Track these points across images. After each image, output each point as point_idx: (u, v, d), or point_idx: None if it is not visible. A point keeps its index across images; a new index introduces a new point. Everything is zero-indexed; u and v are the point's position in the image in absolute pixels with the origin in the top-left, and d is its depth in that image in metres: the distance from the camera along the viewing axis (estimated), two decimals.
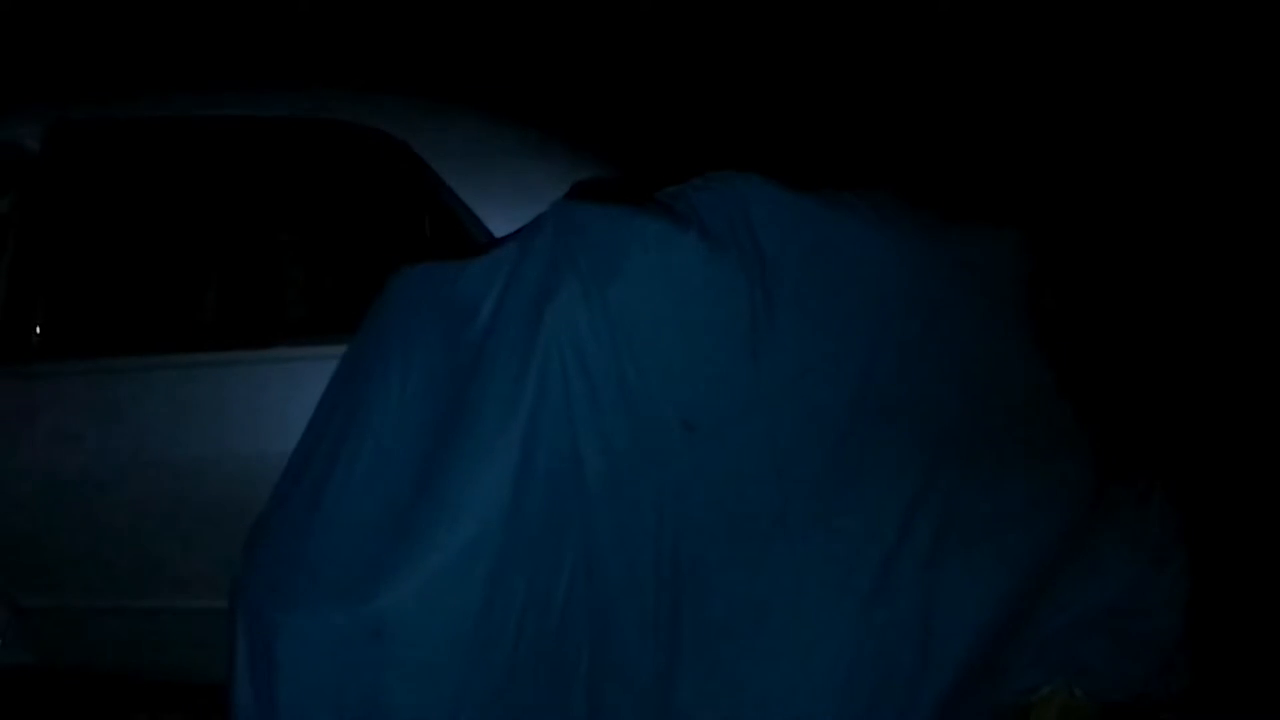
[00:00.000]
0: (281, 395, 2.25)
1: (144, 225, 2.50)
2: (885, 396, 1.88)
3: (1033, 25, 4.34)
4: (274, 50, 4.09)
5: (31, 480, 2.36)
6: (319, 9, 4.57)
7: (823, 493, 1.87)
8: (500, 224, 2.20)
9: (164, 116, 2.50)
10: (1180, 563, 2.05)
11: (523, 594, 1.83)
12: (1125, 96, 4.02)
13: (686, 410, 1.85)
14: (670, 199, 1.93)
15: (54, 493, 2.36)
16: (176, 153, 2.49)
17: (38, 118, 2.53)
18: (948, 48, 4.34)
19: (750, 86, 3.86)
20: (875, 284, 1.91)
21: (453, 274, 2.00)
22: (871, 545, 1.88)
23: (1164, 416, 2.25)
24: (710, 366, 1.85)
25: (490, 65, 3.10)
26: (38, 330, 2.41)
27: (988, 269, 1.98)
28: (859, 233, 1.91)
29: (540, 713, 1.86)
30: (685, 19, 4.41)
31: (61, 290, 2.45)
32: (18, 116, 2.58)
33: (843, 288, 1.89)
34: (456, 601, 1.81)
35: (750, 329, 1.84)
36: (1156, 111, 3.94)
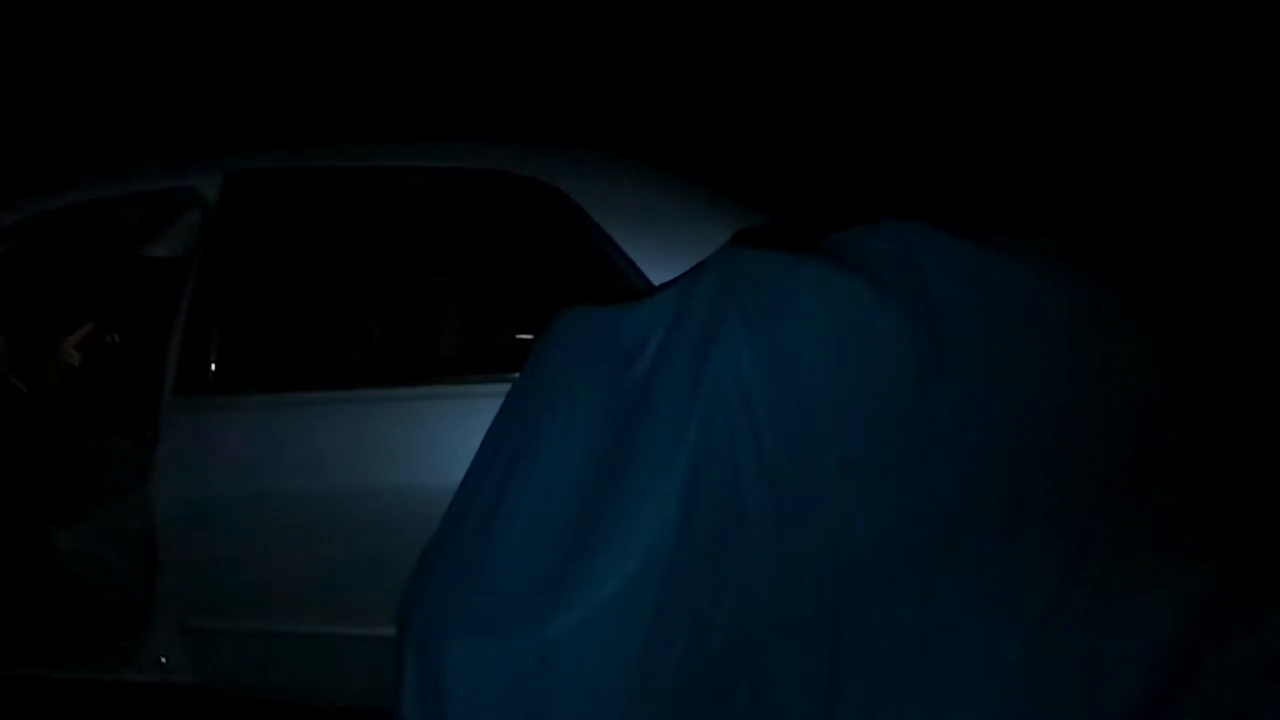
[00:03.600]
0: (444, 430, 2.34)
1: (314, 269, 2.64)
2: (1050, 440, 1.89)
3: (1033, 25, 4.32)
4: (415, 93, 4.26)
5: (205, 505, 2.48)
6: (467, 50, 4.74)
7: (984, 537, 1.88)
8: (658, 272, 2.28)
9: (334, 167, 2.64)
10: None
11: (685, 628, 1.87)
12: (1126, 96, 3.97)
13: (849, 451, 1.88)
14: (836, 245, 1.99)
15: (226, 518, 2.46)
16: (346, 201, 2.62)
17: (216, 168, 2.68)
18: (948, 47, 4.34)
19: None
20: (1042, 333, 1.92)
21: (618, 315, 2.08)
22: (1035, 588, 1.88)
23: None
24: (873, 409, 1.88)
25: (636, 112, 3.18)
26: (214, 365, 2.54)
27: (1152, 322, 1.99)
28: (1027, 283, 1.93)
29: None
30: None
31: (237, 328, 2.58)
32: (197, 166, 2.74)
33: (1010, 336, 1.91)
34: (621, 633, 1.85)
35: (915, 374, 1.87)
36: (1158, 111, 3.87)
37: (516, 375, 2.18)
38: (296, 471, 2.42)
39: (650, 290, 2.21)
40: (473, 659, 1.91)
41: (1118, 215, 2.50)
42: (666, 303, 2.02)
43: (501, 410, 2.15)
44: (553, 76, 4.53)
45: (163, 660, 2.65)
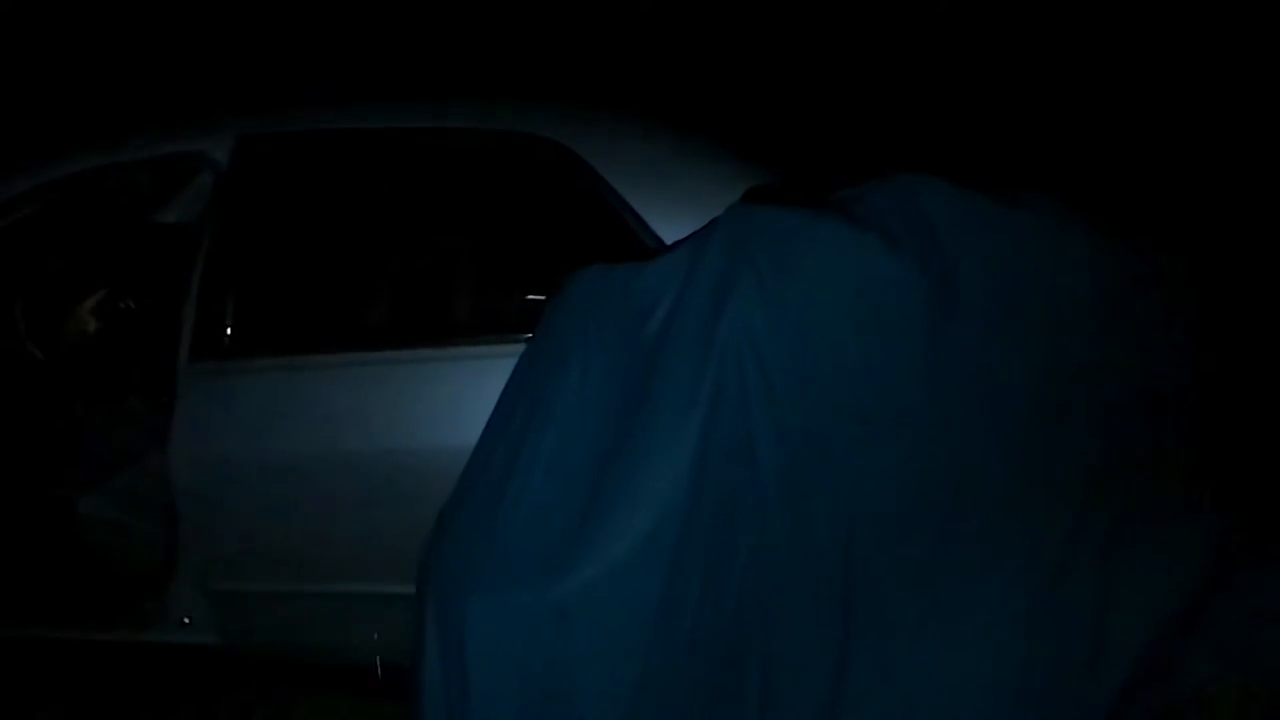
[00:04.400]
0: (459, 391, 2.36)
1: (327, 232, 2.64)
2: (1061, 398, 1.91)
3: (1033, 24, 4.29)
4: (419, 55, 4.25)
5: (223, 468, 2.50)
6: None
7: (998, 488, 1.90)
8: (669, 230, 2.28)
9: (345, 129, 2.64)
10: None
11: (700, 581, 1.89)
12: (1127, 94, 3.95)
13: (862, 405, 1.89)
14: (848, 201, 1.99)
15: (244, 480, 2.49)
16: (357, 162, 2.62)
17: (226, 131, 2.68)
18: (948, 47, 4.32)
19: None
20: (1053, 286, 1.93)
21: (630, 274, 2.09)
22: (1046, 540, 1.90)
23: None
24: (887, 363, 1.89)
25: (641, 69, 3.18)
26: (229, 330, 2.55)
27: (1156, 284, 2.00)
28: (1038, 238, 1.94)
29: (717, 696, 1.92)
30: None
31: (251, 292, 2.59)
32: (206, 129, 2.74)
33: (1022, 290, 1.92)
34: (637, 587, 1.88)
35: (928, 328, 1.88)
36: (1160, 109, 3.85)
37: (530, 335, 2.19)
38: (313, 434, 2.44)
39: (662, 249, 2.22)
40: (492, 614, 1.93)
41: (1123, 187, 2.50)
42: (679, 261, 2.03)
43: (516, 370, 2.17)
44: (562, 38, 4.51)
45: (186, 621, 2.69)
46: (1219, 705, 1.92)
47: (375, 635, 2.43)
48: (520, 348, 2.19)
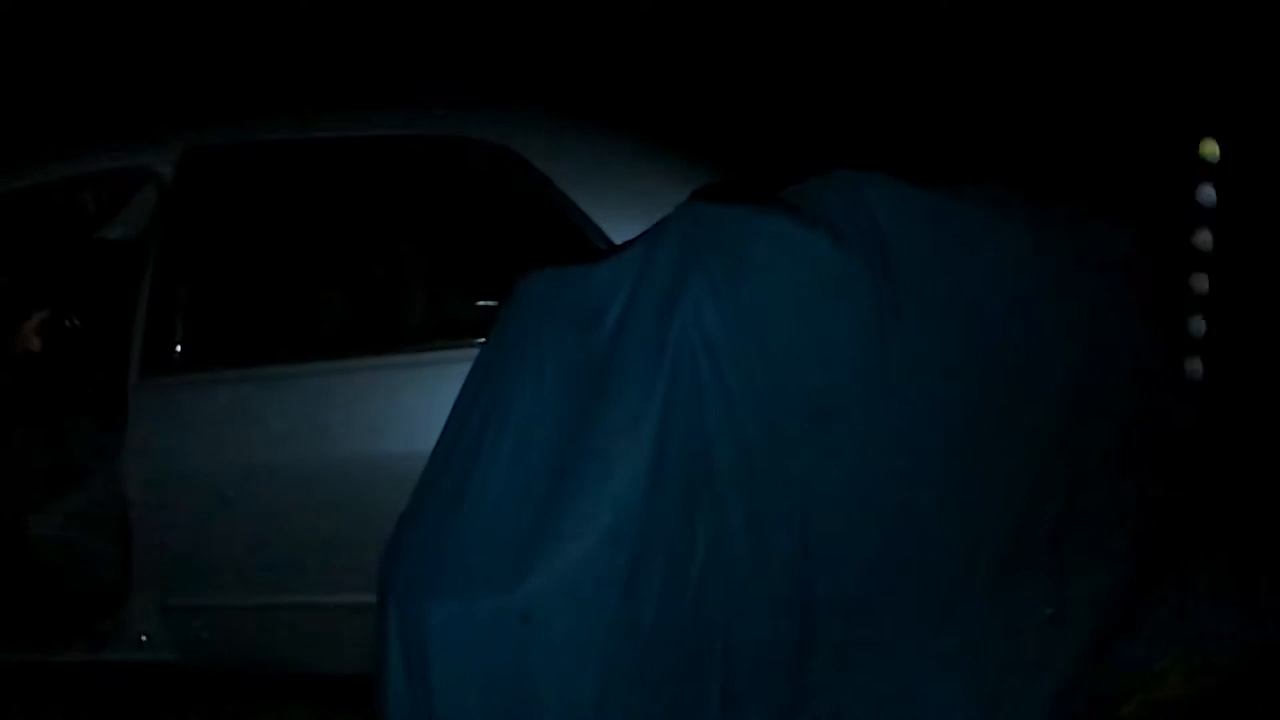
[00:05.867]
0: (414, 397, 2.37)
1: (275, 242, 2.64)
2: (1009, 385, 1.95)
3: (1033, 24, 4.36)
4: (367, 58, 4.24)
5: (178, 483, 2.49)
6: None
7: (948, 479, 1.95)
8: (618, 230, 2.30)
9: (290, 139, 2.63)
10: None
11: (660, 578, 1.90)
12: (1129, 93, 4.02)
13: (814, 399, 1.93)
14: (794, 198, 2.02)
15: (199, 495, 2.48)
16: (303, 172, 2.62)
17: (170, 144, 2.67)
18: (948, 47, 4.38)
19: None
20: (998, 278, 1.98)
21: (581, 276, 2.10)
22: (996, 530, 1.95)
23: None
24: (837, 357, 1.93)
25: (585, 71, 3.19)
26: (179, 344, 2.54)
27: (1104, 262, 2.05)
28: (982, 228, 1.98)
29: (680, 690, 1.94)
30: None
31: (201, 305, 2.58)
32: (150, 143, 2.73)
33: (967, 281, 1.96)
34: (599, 585, 1.89)
35: (876, 322, 1.91)
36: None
37: (484, 340, 2.20)
38: (267, 444, 2.43)
39: (612, 249, 2.23)
40: (454, 619, 1.93)
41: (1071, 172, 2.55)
42: (629, 261, 2.05)
43: (470, 374, 2.17)
44: (503, 44, 4.52)
45: (143, 639, 2.66)
46: (1167, 678, 1.98)
47: (336, 645, 2.42)
48: (474, 352, 2.19)
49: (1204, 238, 2.23)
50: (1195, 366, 2.18)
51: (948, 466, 1.94)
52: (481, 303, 2.40)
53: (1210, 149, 2.24)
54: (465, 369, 2.17)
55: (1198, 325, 2.19)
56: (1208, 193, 2.24)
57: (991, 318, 1.97)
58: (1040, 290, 1.99)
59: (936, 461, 1.94)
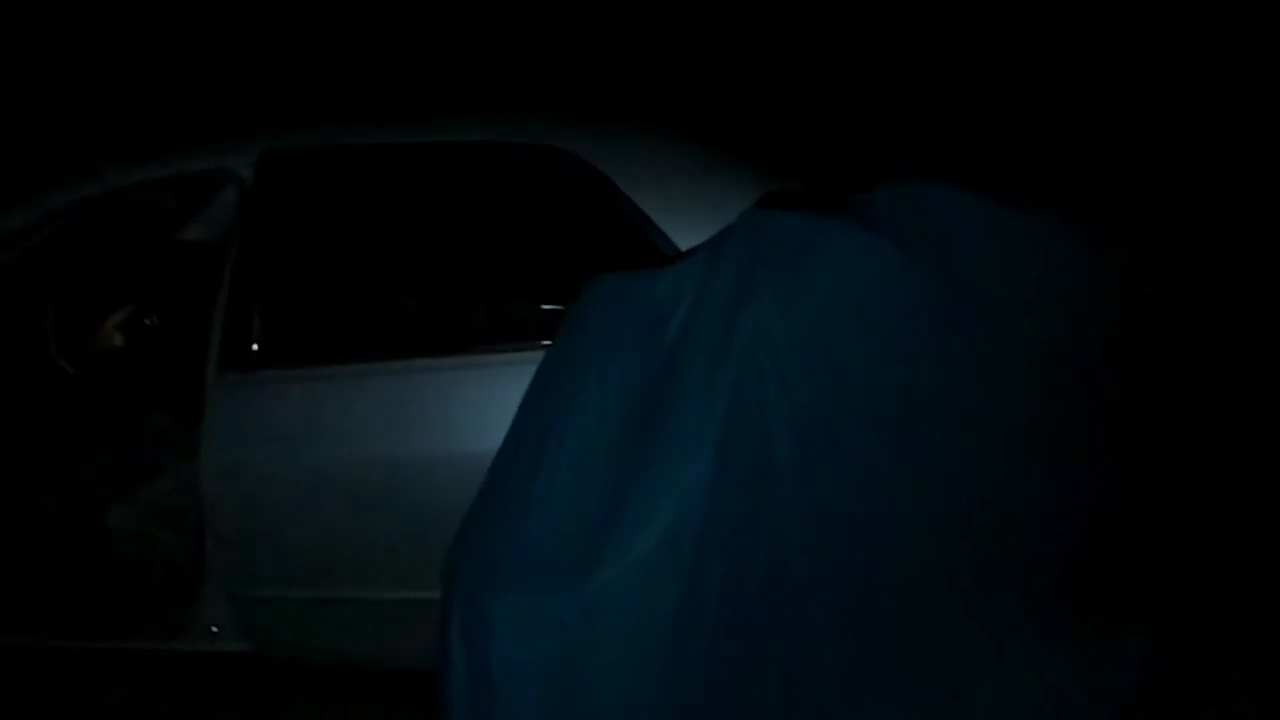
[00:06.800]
0: (482, 397, 2.41)
1: (350, 244, 2.70)
2: (1071, 392, 1.94)
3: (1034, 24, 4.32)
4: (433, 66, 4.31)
5: (251, 478, 2.55)
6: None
7: (1012, 488, 1.94)
8: (684, 237, 2.33)
9: (366, 144, 2.70)
10: None
11: (721, 579, 1.91)
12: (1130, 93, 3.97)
13: (878, 405, 1.93)
14: (859, 204, 2.03)
15: (271, 489, 2.54)
16: (378, 176, 2.68)
17: (250, 147, 2.75)
18: (948, 47, 4.35)
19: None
20: (1059, 286, 1.97)
21: (646, 281, 2.13)
22: (1060, 536, 1.94)
23: None
24: (901, 364, 1.93)
25: (650, 79, 3.23)
26: (257, 342, 2.61)
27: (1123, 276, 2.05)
28: (1043, 236, 1.98)
29: (739, 691, 1.95)
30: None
31: (277, 304, 2.64)
32: (231, 146, 2.81)
33: (1029, 289, 1.96)
34: (660, 584, 1.90)
35: (940, 329, 1.92)
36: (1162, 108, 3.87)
37: (550, 342, 2.24)
38: (338, 441, 2.48)
39: (678, 255, 2.26)
40: (517, 613, 1.96)
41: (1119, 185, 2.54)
42: (695, 266, 2.07)
43: (537, 376, 2.21)
44: (574, 51, 4.57)
45: (214, 629, 2.74)
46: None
47: (402, 640, 2.46)
48: (540, 354, 2.22)
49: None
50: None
51: (1011, 475, 1.94)
52: (548, 306, 2.43)
53: None
54: (531, 370, 2.21)
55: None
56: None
57: (1054, 326, 1.96)
58: (1096, 299, 1.98)
59: (1000, 470, 1.93)
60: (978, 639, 1.97)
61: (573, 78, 3.24)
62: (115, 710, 3.01)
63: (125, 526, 3.24)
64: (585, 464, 2.04)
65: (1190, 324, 2.09)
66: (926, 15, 4.57)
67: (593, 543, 1.94)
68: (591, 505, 1.99)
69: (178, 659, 2.87)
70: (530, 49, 4.73)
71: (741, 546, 1.93)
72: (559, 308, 2.29)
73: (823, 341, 1.93)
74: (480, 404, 2.40)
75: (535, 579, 1.97)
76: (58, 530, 3.21)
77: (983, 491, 1.94)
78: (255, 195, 2.70)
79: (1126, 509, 2.00)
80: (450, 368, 2.48)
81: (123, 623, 2.92)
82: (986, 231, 1.97)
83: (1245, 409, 2.15)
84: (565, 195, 2.49)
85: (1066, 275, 2.00)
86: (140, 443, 3.44)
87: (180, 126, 3.23)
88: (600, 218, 2.44)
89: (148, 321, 3.49)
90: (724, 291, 2.00)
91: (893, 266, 1.92)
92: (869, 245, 1.94)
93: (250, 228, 2.69)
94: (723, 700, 1.95)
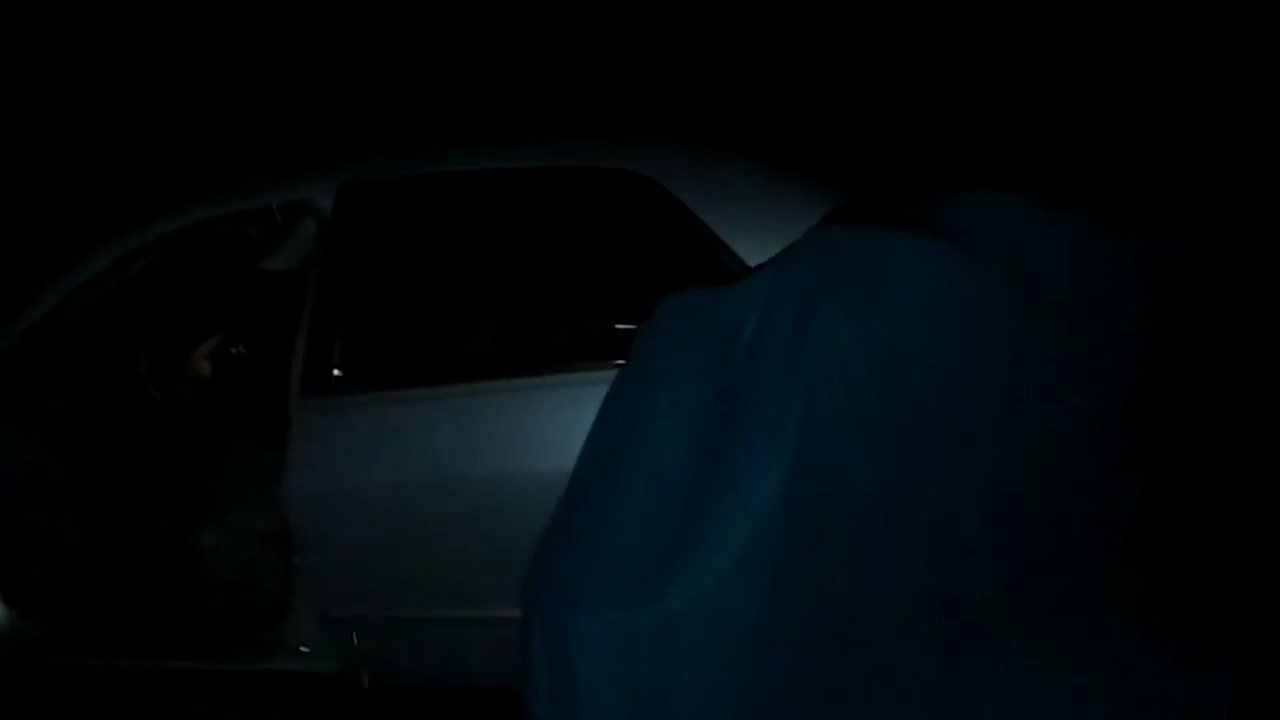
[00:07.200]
0: (557, 417, 2.43)
1: (428, 269, 2.75)
2: (1143, 400, 1.91)
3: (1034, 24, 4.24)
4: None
5: (336, 500, 2.61)
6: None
7: (1089, 498, 1.91)
8: (754, 254, 2.35)
9: (442, 172, 2.76)
10: None
11: (799, 595, 1.91)
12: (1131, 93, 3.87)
13: (950, 417, 1.91)
14: (927, 217, 2.02)
15: (356, 510, 2.59)
16: (454, 203, 2.73)
17: (329, 178, 2.83)
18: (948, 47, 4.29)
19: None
20: (1129, 294, 1.95)
21: (715, 297, 2.14)
22: (1140, 551, 1.90)
23: None
24: (973, 375, 1.91)
25: (707, 98, 3.25)
26: (338, 368, 2.67)
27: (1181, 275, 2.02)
28: (1111, 244, 1.96)
29: (820, 710, 1.94)
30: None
31: (358, 331, 2.70)
32: (310, 178, 2.89)
33: (1099, 298, 1.94)
34: (740, 599, 1.90)
35: (1011, 339, 1.90)
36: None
37: (622, 361, 2.26)
38: (419, 462, 2.53)
39: (747, 272, 2.27)
40: (598, 633, 1.97)
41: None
42: (763, 283, 2.07)
43: (610, 395, 2.23)
44: (640, 72, 4.62)
45: (303, 649, 2.80)
46: None
47: (488, 659, 2.49)
48: (613, 373, 2.25)
49: None
50: None
51: (1088, 485, 1.91)
52: (621, 325, 2.46)
53: None
54: (605, 389, 2.23)
55: None
56: None
57: (1124, 334, 1.93)
58: (1163, 308, 1.95)
59: (1076, 479, 1.91)
60: (1057, 662, 1.93)
61: (633, 100, 3.28)
62: None
63: (215, 548, 3.33)
64: (660, 481, 2.05)
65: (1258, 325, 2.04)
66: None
67: (670, 560, 1.95)
68: (667, 522, 1.99)
69: (265, 679, 2.93)
70: (588, 72, 4.78)
71: (819, 564, 1.92)
72: (631, 327, 2.31)
73: (893, 353, 1.92)
74: (557, 423, 2.42)
75: (614, 598, 1.99)
76: (150, 553, 3.31)
77: (1061, 506, 1.91)
78: (335, 225, 2.77)
79: (1209, 523, 1.95)
80: (527, 388, 2.51)
81: (214, 643, 2.99)
82: (1052, 239, 1.95)
83: None
84: (637, 216, 2.53)
85: (1131, 279, 1.98)
86: (229, 467, 3.54)
87: (261, 158, 3.33)
88: (671, 238, 2.47)
89: (234, 351, 3.60)
90: (793, 307, 2.00)
91: (963, 277, 1.91)
92: (937, 257, 1.92)
93: (330, 256, 2.76)
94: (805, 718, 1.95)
